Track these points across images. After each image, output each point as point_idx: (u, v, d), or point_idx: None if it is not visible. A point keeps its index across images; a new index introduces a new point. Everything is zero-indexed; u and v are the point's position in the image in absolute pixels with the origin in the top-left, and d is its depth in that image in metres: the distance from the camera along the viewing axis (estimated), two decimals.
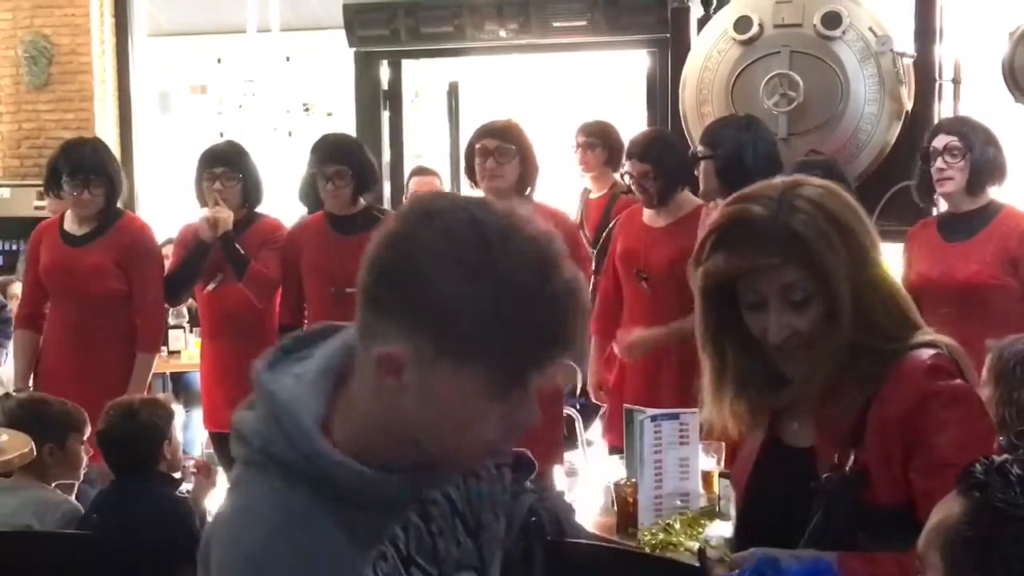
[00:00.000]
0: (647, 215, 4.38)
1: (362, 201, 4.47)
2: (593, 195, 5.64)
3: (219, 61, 8.26)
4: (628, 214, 4.59)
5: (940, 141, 3.91)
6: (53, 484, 3.69)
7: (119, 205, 4.68)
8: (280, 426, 1.35)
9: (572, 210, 5.73)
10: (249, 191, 4.62)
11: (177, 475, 3.61)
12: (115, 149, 7.18)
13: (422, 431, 1.33)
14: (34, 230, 4.84)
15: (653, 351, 4.13)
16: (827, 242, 1.77)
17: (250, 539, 1.34)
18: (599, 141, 5.52)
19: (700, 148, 3.99)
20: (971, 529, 1.41)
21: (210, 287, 4.62)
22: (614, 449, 4.10)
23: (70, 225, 4.63)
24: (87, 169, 4.52)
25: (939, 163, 3.89)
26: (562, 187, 6.22)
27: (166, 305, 4.85)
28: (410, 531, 1.41)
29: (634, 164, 4.27)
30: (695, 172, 4.02)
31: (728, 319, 1.87)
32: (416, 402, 1.30)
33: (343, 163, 4.38)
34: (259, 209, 4.67)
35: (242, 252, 4.49)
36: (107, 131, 7.20)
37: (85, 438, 3.73)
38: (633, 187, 4.33)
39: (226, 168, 4.56)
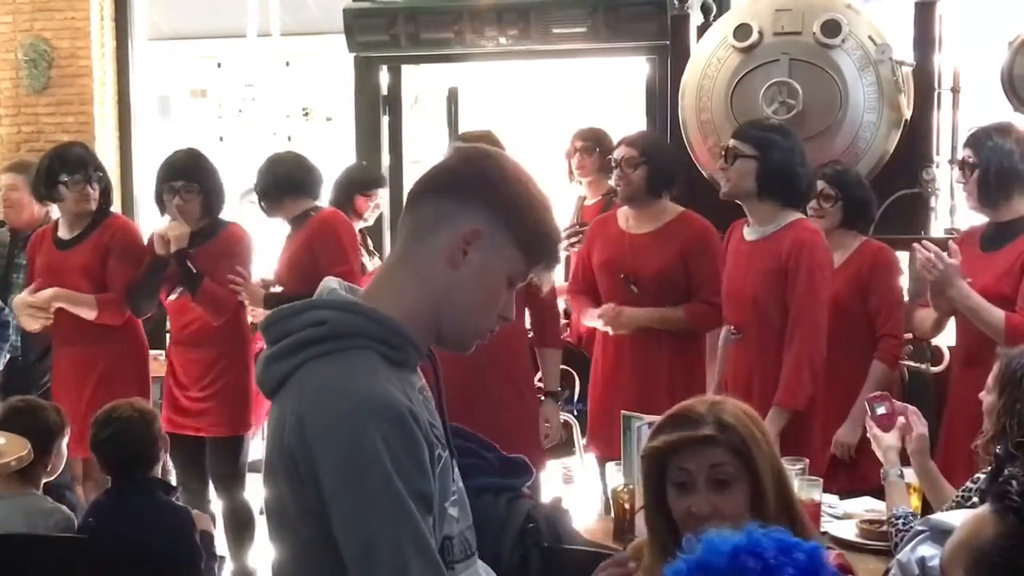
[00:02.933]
0: (624, 220, 4.39)
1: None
2: (588, 201, 5.65)
3: (219, 65, 8.26)
4: (601, 220, 4.60)
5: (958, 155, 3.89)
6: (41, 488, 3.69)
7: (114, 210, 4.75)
8: (351, 309, 1.75)
9: (567, 217, 5.75)
10: (210, 201, 4.63)
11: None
12: (115, 153, 7.20)
13: (455, 309, 1.78)
14: (32, 236, 4.90)
15: (642, 356, 4.22)
16: (752, 435, 2.03)
17: (337, 399, 1.66)
18: (595, 146, 5.53)
19: (742, 145, 3.83)
20: (1002, 555, 1.37)
21: (171, 297, 4.66)
22: (602, 460, 4.09)
23: (62, 230, 4.73)
24: (87, 166, 4.62)
25: (958, 177, 3.87)
26: (559, 194, 6.22)
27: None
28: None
29: (622, 148, 4.31)
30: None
31: (664, 502, 2.06)
32: (469, 277, 1.77)
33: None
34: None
35: (194, 271, 4.54)
36: (106, 135, 7.20)
37: (67, 439, 3.75)
38: (614, 177, 4.35)
39: (185, 181, 4.59)
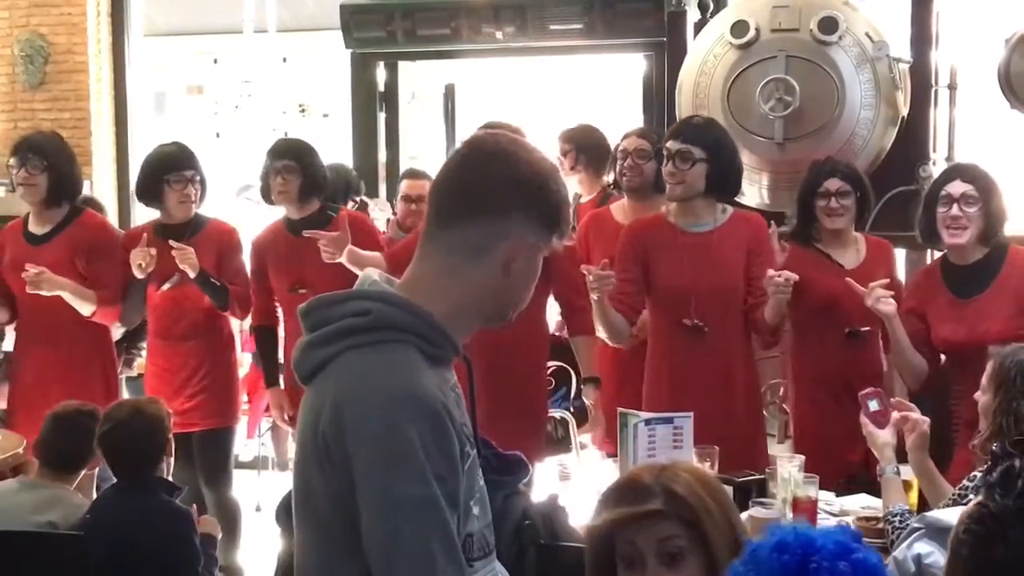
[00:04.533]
0: (622, 214, 4.38)
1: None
2: (584, 199, 5.63)
3: (215, 61, 8.26)
4: (595, 217, 4.59)
5: (956, 188, 3.70)
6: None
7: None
8: (395, 303, 1.78)
9: None
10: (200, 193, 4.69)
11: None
12: (111, 149, 7.19)
13: (503, 301, 1.88)
14: (1, 230, 4.86)
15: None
16: (704, 505, 1.82)
17: (376, 388, 1.70)
18: (575, 147, 5.43)
19: (691, 148, 3.84)
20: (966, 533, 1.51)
21: (166, 286, 4.65)
22: (610, 455, 4.10)
23: (33, 226, 4.69)
24: (25, 148, 4.59)
25: (954, 210, 3.69)
26: None
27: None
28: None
29: (632, 140, 4.31)
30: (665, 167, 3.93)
31: None
32: (519, 278, 1.86)
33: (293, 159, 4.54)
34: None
35: (218, 284, 4.58)
36: (102, 131, 7.19)
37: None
38: (619, 167, 4.32)
39: (192, 171, 4.63)
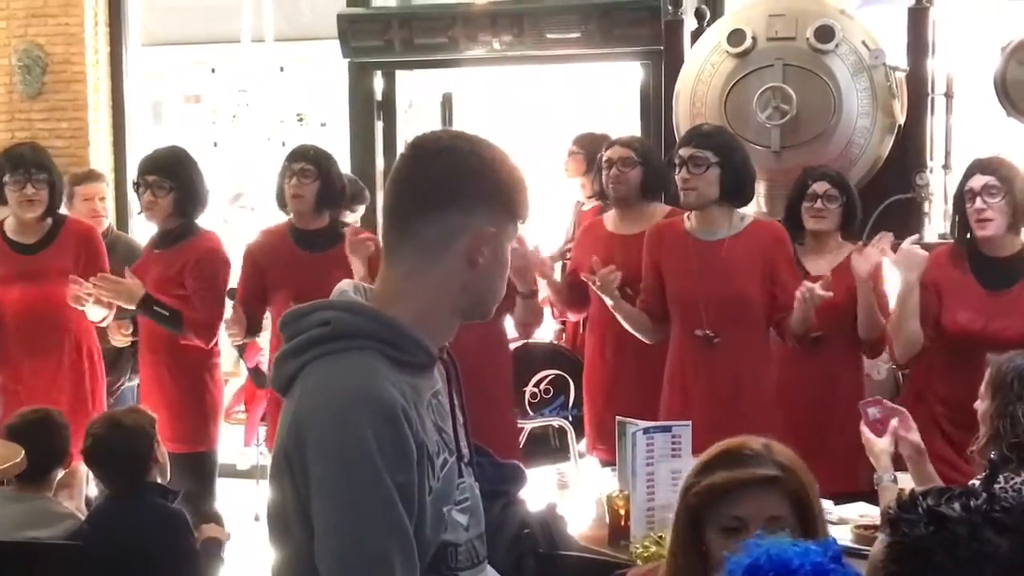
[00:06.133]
0: (613, 223, 4.38)
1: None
2: (586, 207, 5.65)
3: (213, 71, 8.24)
4: (590, 226, 4.58)
5: (977, 181, 3.71)
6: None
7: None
8: (358, 311, 1.78)
9: (563, 222, 5.75)
10: (184, 201, 4.49)
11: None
12: (108, 158, 7.19)
13: (476, 295, 1.83)
14: None
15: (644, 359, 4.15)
16: (811, 483, 1.83)
17: (333, 395, 1.70)
18: (586, 156, 5.51)
19: (703, 153, 3.85)
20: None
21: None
22: (606, 463, 4.10)
23: (15, 234, 4.62)
24: (27, 163, 4.51)
25: (978, 203, 3.69)
26: (553, 196, 6.23)
27: None
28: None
29: (616, 149, 4.30)
30: (675, 178, 3.94)
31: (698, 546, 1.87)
32: (487, 268, 1.81)
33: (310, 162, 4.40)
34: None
35: (167, 313, 4.40)
36: (100, 140, 7.19)
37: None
38: (604, 177, 4.31)
39: (157, 176, 4.45)
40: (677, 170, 3.91)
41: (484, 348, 3.96)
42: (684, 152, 3.89)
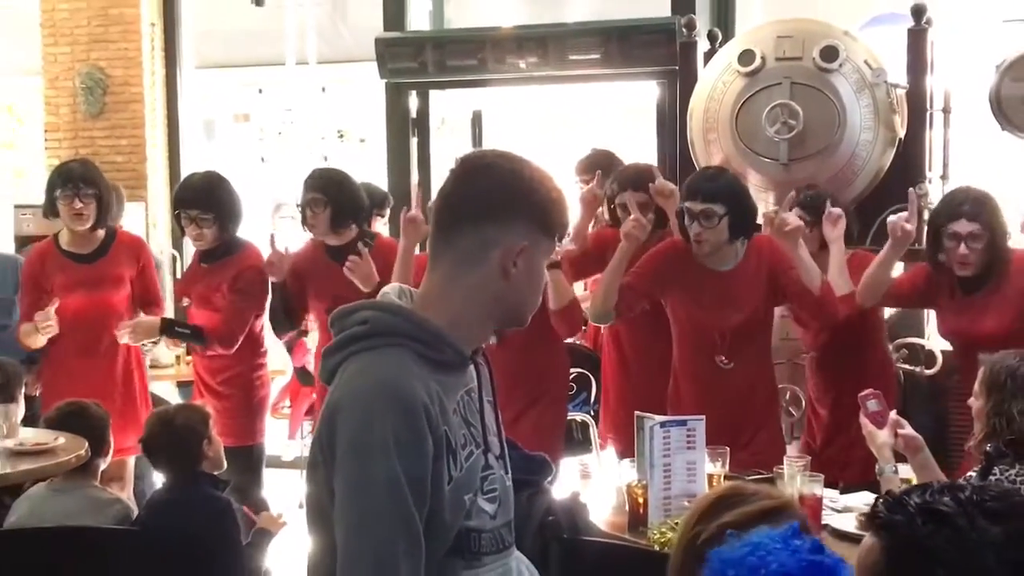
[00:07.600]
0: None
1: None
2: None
3: (260, 91, 8.29)
4: (599, 236, 4.37)
5: (963, 227, 3.72)
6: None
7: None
8: (395, 312, 1.82)
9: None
10: (225, 223, 4.50)
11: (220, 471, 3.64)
12: (164, 173, 7.25)
13: (509, 305, 1.86)
14: (31, 253, 4.81)
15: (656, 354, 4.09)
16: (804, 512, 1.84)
17: (362, 386, 1.74)
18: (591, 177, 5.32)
19: (712, 207, 3.70)
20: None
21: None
22: (622, 454, 4.08)
23: (70, 246, 4.64)
24: (76, 179, 4.53)
25: (962, 249, 3.72)
26: (574, 212, 6.20)
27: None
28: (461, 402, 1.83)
29: (630, 195, 4.07)
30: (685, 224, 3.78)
31: None
32: (521, 280, 1.83)
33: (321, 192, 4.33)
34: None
35: (188, 331, 4.48)
36: (156, 156, 7.25)
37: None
38: (618, 213, 4.12)
39: (199, 211, 4.45)
40: (688, 221, 3.76)
41: (543, 348, 4.09)
42: (694, 207, 3.73)
